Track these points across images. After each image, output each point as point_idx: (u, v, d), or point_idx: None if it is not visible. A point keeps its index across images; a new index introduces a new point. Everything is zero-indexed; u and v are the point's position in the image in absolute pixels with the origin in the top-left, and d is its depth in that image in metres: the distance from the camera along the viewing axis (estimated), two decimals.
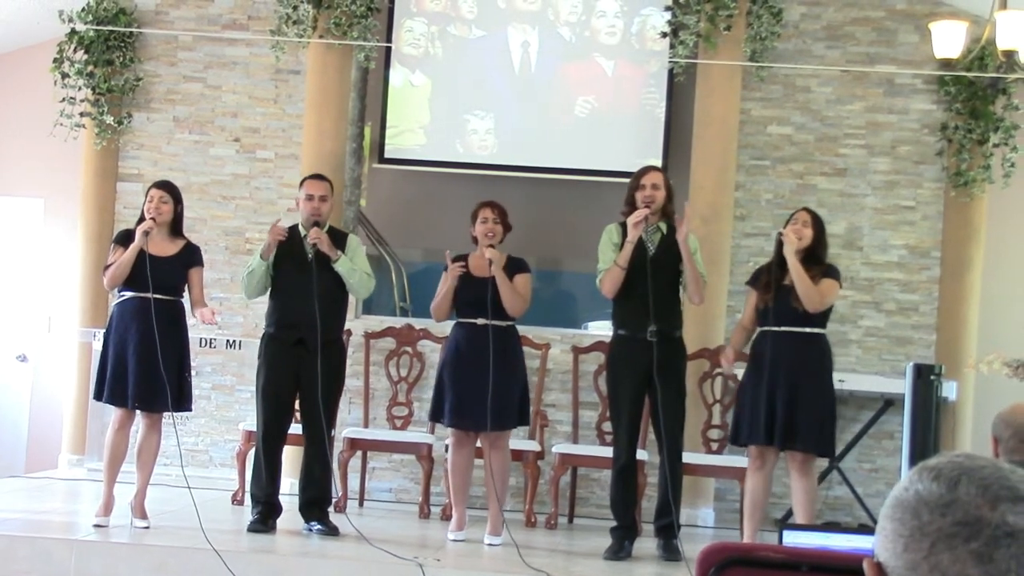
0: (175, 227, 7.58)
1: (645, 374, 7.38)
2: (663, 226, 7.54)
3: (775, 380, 7.14)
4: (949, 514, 1.49)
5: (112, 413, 7.58)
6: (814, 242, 7.26)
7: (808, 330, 7.23)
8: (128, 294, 7.40)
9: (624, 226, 7.44)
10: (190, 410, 7.78)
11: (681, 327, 7.59)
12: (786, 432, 7.14)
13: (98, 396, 7.56)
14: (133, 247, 7.33)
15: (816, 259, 7.26)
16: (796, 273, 7.10)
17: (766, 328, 7.27)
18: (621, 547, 7.44)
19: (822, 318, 7.30)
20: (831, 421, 7.33)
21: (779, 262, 7.28)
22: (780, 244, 7.27)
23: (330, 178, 8.02)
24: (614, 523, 7.59)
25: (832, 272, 7.35)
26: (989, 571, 1.46)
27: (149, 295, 7.31)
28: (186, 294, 7.59)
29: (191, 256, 7.57)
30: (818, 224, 7.33)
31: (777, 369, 7.14)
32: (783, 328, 7.18)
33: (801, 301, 7.12)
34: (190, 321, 7.59)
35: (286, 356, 7.61)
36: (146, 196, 7.56)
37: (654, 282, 7.34)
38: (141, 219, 7.49)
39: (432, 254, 11.37)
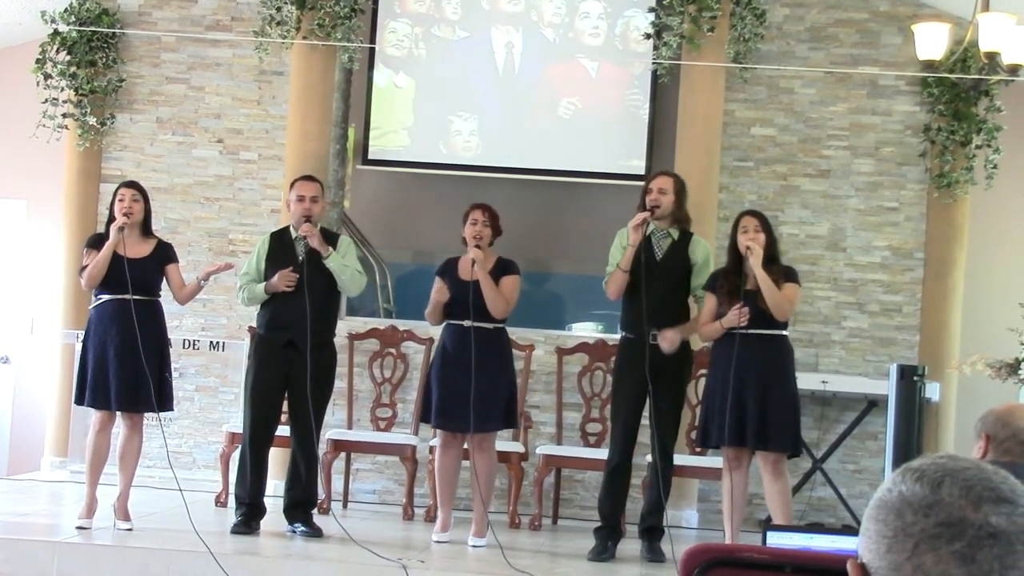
0: (145, 226, 7.57)
1: (646, 377, 7.38)
2: (674, 232, 7.55)
3: (745, 382, 7.14)
4: (932, 515, 1.49)
5: (93, 415, 7.56)
6: (768, 245, 7.28)
7: (775, 332, 7.27)
8: (105, 297, 7.39)
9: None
10: (171, 410, 7.75)
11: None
12: (759, 433, 7.15)
13: (79, 400, 7.55)
14: (109, 244, 7.32)
15: (773, 260, 7.29)
16: (766, 286, 7.13)
17: (734, 330, 7.25)
18: (605, 548, 7.44)
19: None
20: (799, 421, 7.38)
21: (735, 268, 7.30)
22: (735, 251, 7.29)
23: None
24: (598, 524, 7.59)
25: (792, 275, 7.39)
26: (972, 572, 1.47)
27: (127, 297, 7.31)
28: (163, 294, 7.58)
29: (165, 253, 7.57)
30: (766, 225, 7.36)
31: (747, 371, 7.14)
32: (751, 331, 7.18)
33: (769, 306, 7.14)
34: (172, 323, 7.57)
35: (276, 358, 7.60)
36: (114, 196, 7.54)
37: (660, 285, 7.36)
38: (110, 220, 7.48)
39: (416, 255, 11.37)
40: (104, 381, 7.33)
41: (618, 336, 7.80)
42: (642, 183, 7.87)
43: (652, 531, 7.54)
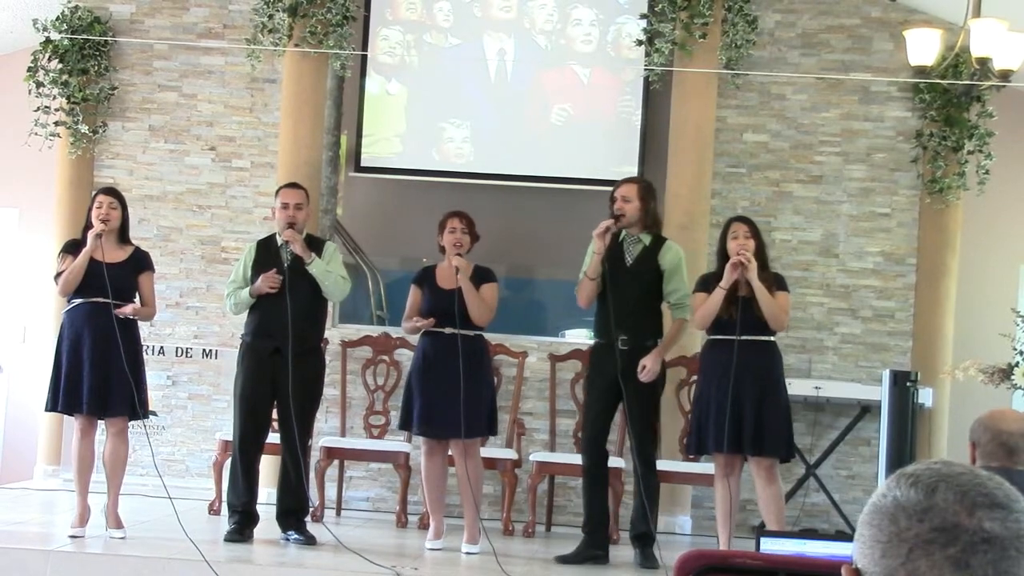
0: (122, 233, 7.55)
1: (615, 382, 7.39)
2: (645, 237, 7.55)
3: (739, 388, 7.14)
4: (927, 520, 1.50)
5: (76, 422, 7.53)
6: (757, 251, 7.28)
7: (766, 338, 7.29)
8: (78, 300, 7.37)
9: (612, 236, 7.48)
10: (147, 417, 7.70)
11: (657, 337, 7.56)
12: (755, 439, 7.15)
13: (52, 407, 7.50)
14: (86, 251, 7.30)
15: (762, 267, 7.28)
16: (764, 299, 7.15)
17: (724, 337, 7.25)
18: (583, 549, 7.46)
19: None
20: (792, 425, 7.41)
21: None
22: (725, 257, 7.28)
23: (306, 187, 8.02)
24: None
25: (782, 283, 7.40)
26: None
27: (101, 300, 7.28)
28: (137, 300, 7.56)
29: (141, 261, 7.55)
30: (755, 231, 7.36)
31: (741, 377, 7.15)
32: (745, 337, 7.18)
33: (766, 317, 7.15)
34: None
35: (263, 365, 7.60)
36: (92, 203, 7.53)
37: (628, 291, 7.40)
38: (87, 227, 7.47)
39: (409, 262, 11.36)
40: (76, 385, 7.30)
41: None
42: None
43: (643, 538, 7.53)
